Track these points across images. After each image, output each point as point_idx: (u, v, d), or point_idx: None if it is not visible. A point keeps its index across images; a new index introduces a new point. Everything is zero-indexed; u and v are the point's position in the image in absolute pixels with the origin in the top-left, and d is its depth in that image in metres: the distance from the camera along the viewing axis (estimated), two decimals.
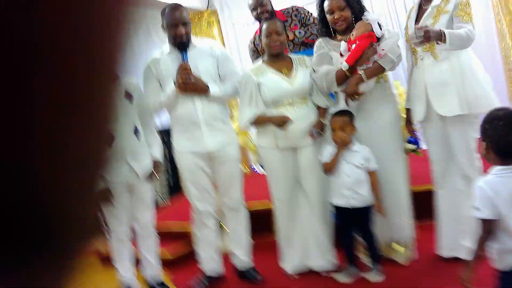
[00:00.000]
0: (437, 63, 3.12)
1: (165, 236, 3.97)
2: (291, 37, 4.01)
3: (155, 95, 3.43)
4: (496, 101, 3.12)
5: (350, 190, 3.20)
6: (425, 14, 3.15)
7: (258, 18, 4.30)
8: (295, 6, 4.44)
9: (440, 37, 2.89)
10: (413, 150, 3.94)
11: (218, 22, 7.06)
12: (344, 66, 3.17)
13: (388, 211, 3.29)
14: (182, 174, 3.58)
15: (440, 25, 3.03)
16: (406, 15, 3.48)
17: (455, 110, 3.07)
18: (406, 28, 3.30)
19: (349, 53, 3.16)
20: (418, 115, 3.29)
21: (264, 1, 4.30)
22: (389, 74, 3.46)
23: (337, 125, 3.22)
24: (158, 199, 5.74)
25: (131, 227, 3.55)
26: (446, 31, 2.90)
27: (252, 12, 4.38)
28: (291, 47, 4.09)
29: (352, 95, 3.23)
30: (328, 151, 3.29)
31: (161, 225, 3.84)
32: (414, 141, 3.93)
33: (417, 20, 3.22)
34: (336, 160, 3.23)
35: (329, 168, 3.26)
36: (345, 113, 3.27)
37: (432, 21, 3.09)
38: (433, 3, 3.13)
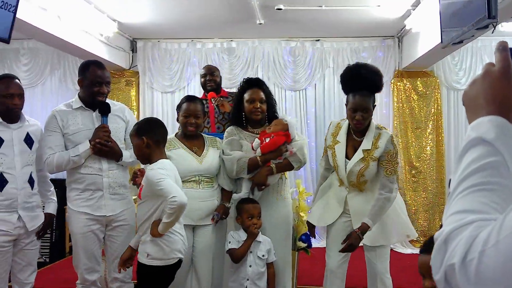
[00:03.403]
0: (362, 193, 3.29)
1: None
2: (227, 110, 4.11)
3: (56, 149, 3.25)
4: (411, 228, 3.43)
5: (250, 281, 3.20)
6: (356, 159, 3.18)
7: (204, 85, 4.47)
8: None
9: (364, 234, 3.12)
10: (304, 249, 4.05)
11: (138, 84, 7.07)
12: (258, 152, 3.30)
13: None
14: (72, 236, 3.38)
15: (369, 170, 3.17)
16: (329, 132, 3.41)
17: (378, 241, 3.23)
18: (334, 157, 3.29)
19: (264, 143, 3.30)
20: (328, 221, 3.39)
21: (216, 72, 4.49)
22: (290, 172, 3.60)
23: (256, 212, 3.24)
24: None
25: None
26: (369, 222, 3.09)
27: (201, 78, 4.54)
28: (223, 120, 4.15)
29: (260, 185, 3.34)
30: (235, 238, 3.27)
31: (39, 285, 3.59)
32: (306, 239, 4.04)
33: (347, 154, 3.25)
34: (247, 249, 3.21)
35: (240, 256, 3.20)
36: (256, 202, 3.32)
37: (363, 166, 3.18)
38: (364, 145, 3.17)
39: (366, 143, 3.17)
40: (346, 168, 3.21)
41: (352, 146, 3.24)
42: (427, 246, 2.00)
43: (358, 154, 3.18)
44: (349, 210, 3.28)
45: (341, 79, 3.27)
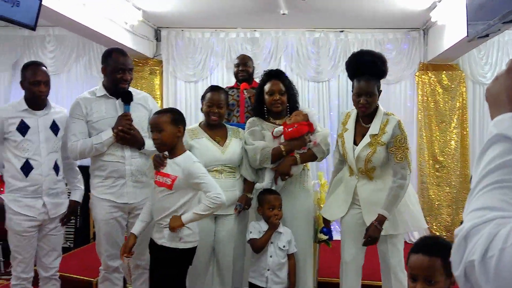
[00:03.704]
0: (372, 181, 3.26)
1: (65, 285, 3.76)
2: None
3: (80, 136, 3.30)
4: (423, 222, 3.37)
5: (271, 271, 3.22)
6: (363, 143, 3.20)
7: (237, 74, 4.58)
8: None
9: (382, 224, 3.10)
10: (325, 241, 4.04)
11: (161, 73, 7.10)
12: (281, 139, 3.32)
13: None
14: (96, 223, 3.45)
15: (377, 156, 3.16)
16: (340, 122, 3.49)
17: (387, 230, 3.19)
18: (343, 145, 3.32)
19: (289, 129, 3.30)
20: (338, 214, 3.40)
21: (249, 62, 4.55)
22: (312, 164, 3.59)
23: (277, 203, 3.27)
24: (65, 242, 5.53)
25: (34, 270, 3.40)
26: (385, 213, 3.08)
27: (234, 67, 4.67)
28: (250, 107, 4.18)
29: (284, 174, 3.34)
30: (256, 228, 3.30)
31: (64, 270, 3.65)
32: (327, 231, 4.03)
33: (355, 140, 3.27)
34: (267, 239, 3.24)
35: (261, 246, 3.24)
36: (277, 193, 3.34)
37: (370, 151, 3.18)
38: (371, 130, 3.19)
39: (373, 128, 3.19)
40: (354, 154, 3.21)
41: (360, 133, 3.26)
42: (420, 246, 1.96)
43: (365, 139, 3.19)
44: (359, 201, 3.27)
45: (346, 66, 3.33)
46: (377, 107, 3.23)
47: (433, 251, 1.88)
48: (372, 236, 3.11)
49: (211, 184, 2.90)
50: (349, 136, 3.29)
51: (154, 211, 3.03)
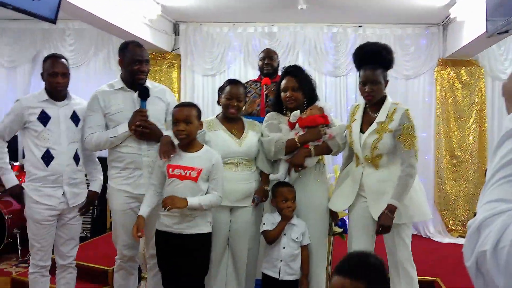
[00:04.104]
0: (377, 171, 3.26)
1: (82, 273, 3.81)
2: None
3: (97, 129, 3.35)
4: (429, 212, 3.36)
5: (284, 262, 3.25)
6: (370, 130, 3.24)
7: (262, 68, 4.62)
8: None
9: (393, 213, 3.11)
10: (339, 234, 4.05)
11: (179, 66, 7.15)
12: (296, 116, 3.35)
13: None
14: (112, 213, 3.50)
15: (383, 142, 3.17)
16: (349, 112, 3.55)
17: None
18: (350, 133, 3.36)
19: (304, 117, 3.33)
20: (344, 205, 3.42)
21: (274, 56, 4.59)
22: (328, 157, 3.60)
23: (290, 196, 3.29)
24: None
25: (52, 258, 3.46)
26: (395, 202, 3.09)
27: (259, 61, 4.71)
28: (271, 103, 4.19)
29: (298, 166, 3.36)
30: (270, 220, 3.32)
31: (80, 259, 3.71)
32: (341, 224, 4.04)
33: (362, 129, 3.30)
34: (281, 231, 3.27)
35: (274, 237, 3.27)
36: (291, 185, 3.36)
37: (376, 137, 3.20)
38: (378, 118, 3.22)
39: (380, 116, 3.22)
40: (361, 141, 3.23)
41: (367, 122, 3.29)
42: (342, 267, 1.69)
43: (373, 126, 3.22)
44: (365, 191, 3.28)
45: (353, 58, 3.38)
46: (385, 97, 3.27)
47: (357, 273, 1.62)
48: (384, 224, 3.11)
49: (222, 183, 3.13)
50: (356, 125, 3.33)
51: None
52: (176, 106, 3.21)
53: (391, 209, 3.09)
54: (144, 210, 3.12)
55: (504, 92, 1.02)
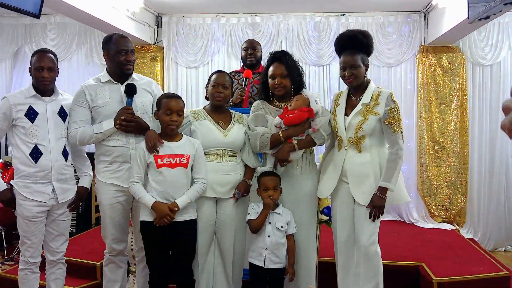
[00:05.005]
0: (359, 154, 3.33)
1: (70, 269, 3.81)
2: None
3: (81, 124, 3.37)
4: (407, 196, 3.48)
5: (269, 251, 3.29)
6: (355, 111, 3.31)
7: (245, 59, 4.65)
8: None
9: (385, 194, 3.22)
10: (326, 221, 4.10)
11: (162, 59, 7.14)
12: (278, 121, 3.38)
13: (296, 276, 3.41)
14: (101, 207, 3.50)
15: (369, 124, 3.25)
16: (332, 100, 3.61)
17: (367, 202, 3.27)
18: (334, 118, 3.41)
19: (289, 115, 3.34)
20: (327, 192, 3.48)
21: (257, 47, 4.61)
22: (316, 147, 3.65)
23: (271, 185, 3.33)
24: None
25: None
26: (386, 185, 3.20)
27: (241, 52, 4.74)
28: (256, 96, 4.18)
29: (283, 161, 3.40)
30: (254, 209, 3.37)
31: (67, 255, 3.71)
32: (328, 212, 4.08)
33: (346, 112, 3.38)
34: (263, 219, 3.31)
35: (257, 227, 3.31)
36: (275, 174, 3.40)
37: (361, 119, 3.27)
38: (363, 100, 3.30)
39: (365, 98, 3.31)
40: (345, 123, 3.31)
41: (351, 106, 3.37)
42: None
43: (357, 108, 3.31)
44: (347, 176, 3.34)
45: (334, 48, 3.49)
46: (369, 82, 3.37)
47: None
48: (376, 205, 3.20)
49: (205, 166, 3.32)
50: (340, 109, 3.40)
51: (165, 192, 3.16)
52: (168, 97, 3.25)
53: (382, 191, 3.19)
54: (151, 197, 3.17)
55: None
